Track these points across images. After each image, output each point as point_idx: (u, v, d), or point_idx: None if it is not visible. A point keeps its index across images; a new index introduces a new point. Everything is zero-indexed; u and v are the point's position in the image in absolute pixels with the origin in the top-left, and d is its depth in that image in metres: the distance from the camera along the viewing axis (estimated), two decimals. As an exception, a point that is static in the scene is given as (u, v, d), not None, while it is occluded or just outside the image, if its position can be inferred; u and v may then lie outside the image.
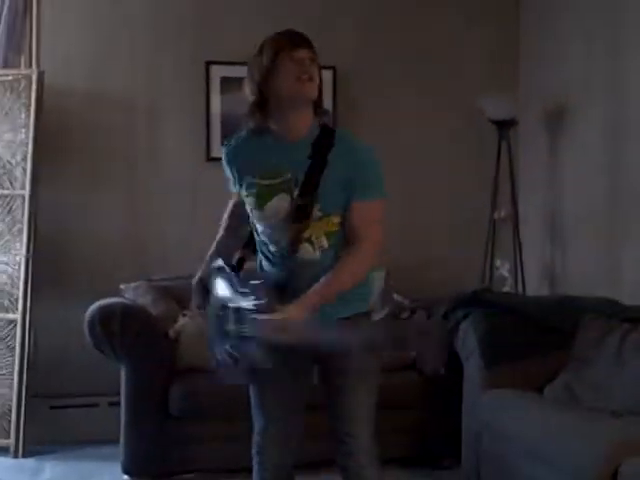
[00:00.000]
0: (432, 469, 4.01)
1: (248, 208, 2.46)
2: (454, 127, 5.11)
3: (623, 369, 3.33)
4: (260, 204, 2.39)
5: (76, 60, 4.69)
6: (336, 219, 2.37)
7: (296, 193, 2.34)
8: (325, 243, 2.38)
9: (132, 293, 4.24)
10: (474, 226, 5.00)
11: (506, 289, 4.85)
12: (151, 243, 4.74)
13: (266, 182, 2.38)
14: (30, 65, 4.57)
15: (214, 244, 2.59)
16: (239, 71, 4.76)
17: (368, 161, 2.39)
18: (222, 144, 2.61)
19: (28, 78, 4.39)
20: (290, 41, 2.36)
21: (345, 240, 2.39)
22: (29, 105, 4.35)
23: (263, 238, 2.43)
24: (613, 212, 4.34)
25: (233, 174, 2.48)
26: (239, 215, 2.56)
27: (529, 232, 5.02)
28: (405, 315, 4.40)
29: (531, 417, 3.25)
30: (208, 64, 4.86)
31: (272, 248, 2.41)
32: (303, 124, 2.39)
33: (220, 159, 4.77)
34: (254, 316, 2.21)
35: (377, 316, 2.45)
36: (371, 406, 2.47)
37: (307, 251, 2.37)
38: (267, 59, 2.35)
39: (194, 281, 2.58)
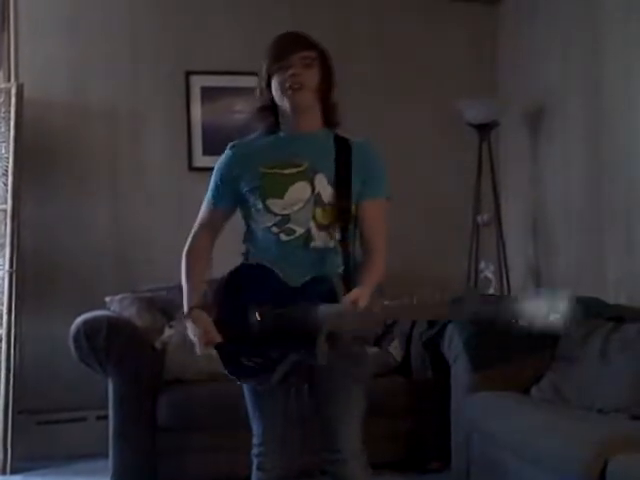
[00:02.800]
0: (422, 473, 4.01)
1: (255, 204, 2.40)
2: (435, 131, 5.13)
3: (608, 367, 3.35)
4: (278, 193, 2.37)
5: (55, 72, 4.68)
6: (353, 209, 2.42)
7: (329, 185, 2.38)
8: (338, 234, 2.39)
9: (117, 305, 4.23)
10: (457, 229, 5.01)
11: (491, 291, 4.86)
12: (135, 254, 4.73)
13: (285, 171, 2.39)
14: (9, 79, 4.55)
15: (192, 281, 2.48)
16: (219, 80, 4.91)
17: (380, 161, 2.50)
18: (227, 147, 2.52)
19: (7, 91, 4.37)
20: (279, 49, 2.40)
21: (356, 233, 2.45)
22: (9, 119, 4.34)
23: (274, 230, 2.38)
24: (595, 212, 4.36)
25: (235, 174, 2.43)
26: (208, 256, 2.54)
27: (512, 234, 5.04)
28: (390, 320, 4.41)
29: (519, 418, 3.25)
30: (188, 74, 4.86)
31: (284, 238, 2.38)
32: (310, 125, 2.44)
33: (203, 169, 4.77)
34: (335, 307, 2.20)
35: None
36: (361, 413, 2.46)
37: (323, 239, 2.38)
38: (263, 70, 2.42)
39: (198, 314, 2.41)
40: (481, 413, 3.47)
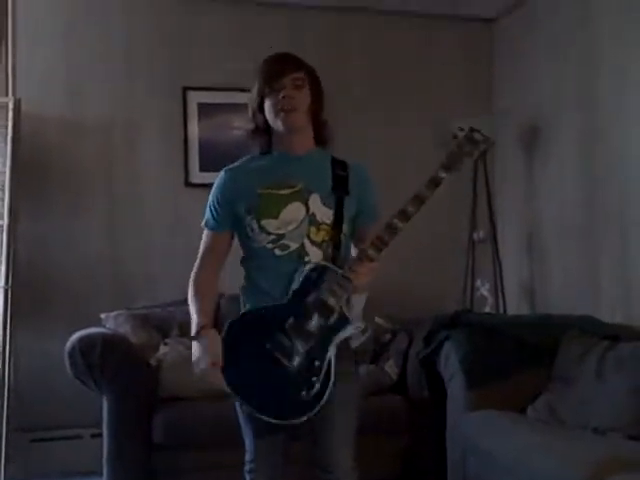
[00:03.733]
0: (418, 491, 4.00)
1: (250, 224, 2.43)
2: (431, 150, 5.14)
3: (604, 386, 3.35)
4: (273, 213, 2.41)
5: (53, 88, 4.68)
6: (345, 229, 2.47)
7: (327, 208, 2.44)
8: (331, 251, 2.44)
9: (112, 322, 4.21)
10: (453, 247, 5.02)
11: (487, 309, 4.87)
12: (131, 271, 4.72)
13: (281, 192, 2.42)
14: (6, 93, 4.55)
15: (200, 302, 2.48)
16: (216, 97, 4.91)
17: (373, 184, 2.59)
18: (222, 168, 2.55)
19: (4, 106, 4.36)
20: (270, 72, 2.44)
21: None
22: (6, 134, 4.33)
23: (269, 247, 2.42)
24: (590, 230, 4.37)
25: (231, 197, 2.46)
26: (214, 285, 2.53)
27: (508, 252, 5.05)
28: (386, 338, 4.41)
29: (515, 437, 3.25)
30: (185, 90, 4.87)
31: (278, 252, 2.41)
32: (304, 145, 2.49)
33: (199, 185, 4.77)
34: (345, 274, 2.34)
35: (356, 342, 2.46)
36: (353, 431, 2.47)
37: (316, 255, 2.42)
38: (255, 91, 2.47)
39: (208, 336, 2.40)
40: (477, 432, 3.47)
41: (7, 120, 4.35)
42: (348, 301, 2.40)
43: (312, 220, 2.42)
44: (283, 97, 2.40)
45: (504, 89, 5.27)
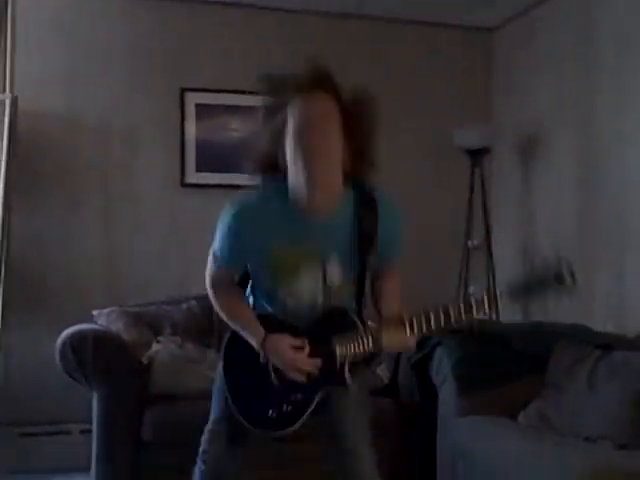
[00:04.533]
0: (407, 497, 3.98)
1: (262, 273, 2.38)
2: (427, 156, 5.16)
3: (596, 395, 3.35)
4: (288, 278, 2.34)
5: (51, 85, 4.68)
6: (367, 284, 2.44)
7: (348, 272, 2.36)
8: (349, 300, 2.41)
9: (105, 319, 4.20)
10: (448, 254, 5.02)
11: (480, 315, 4.85)
12: (124, 268, 4.72)
13: (296, 254, 2.30)
14: (4, 90, 4.55)
15: (245, 312, 2.43)
16: (214, 98, 4.92)
17: (400, 223, 2.48)
18: (231, 206, 2.34)
19: (2, 103, 4.36)
20: (307, 117, 2.24)
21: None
22: (2, 130, 4.33)
23: (280, 296, 2.38)
24: (585, 240, 4.38)
25: (242, 243, 2.31)
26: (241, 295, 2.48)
27: (503, 260, 5.05)
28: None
29: (506, 444, 3.24)
30: (183, 91, 4.87)
31: (290, 302, 2.37)
32: (326, 199, 2.27)
33: (195, 185, 4.75)
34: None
35: None
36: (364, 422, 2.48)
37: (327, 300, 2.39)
38: (278, 123, 2.25)
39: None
40: (468, 437, 3.46)
41: (4, 116, 4.34)
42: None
43: (328, 282, 2.36)
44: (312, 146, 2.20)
45: (502, 99, 5.28)
